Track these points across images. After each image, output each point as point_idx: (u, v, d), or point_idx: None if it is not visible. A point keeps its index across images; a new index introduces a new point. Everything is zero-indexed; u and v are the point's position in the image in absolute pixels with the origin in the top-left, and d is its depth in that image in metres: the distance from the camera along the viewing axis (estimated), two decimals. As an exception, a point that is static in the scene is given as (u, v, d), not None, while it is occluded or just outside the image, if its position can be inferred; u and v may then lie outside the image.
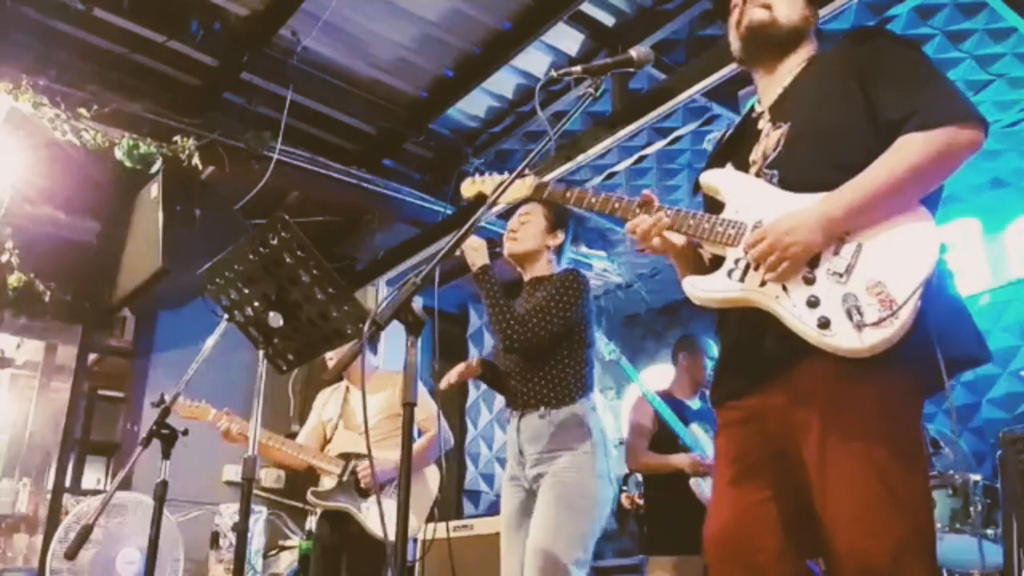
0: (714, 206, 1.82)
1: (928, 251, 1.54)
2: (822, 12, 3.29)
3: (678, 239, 1.84)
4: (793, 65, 1.85)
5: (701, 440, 3.72)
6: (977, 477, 3.40)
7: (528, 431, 2.70)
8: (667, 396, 3.92)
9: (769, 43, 1.86)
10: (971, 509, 3.32)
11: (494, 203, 1.96)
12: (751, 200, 1.73)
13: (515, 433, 2.75)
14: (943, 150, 1.57)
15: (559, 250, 2.90)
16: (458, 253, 2.70)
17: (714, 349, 4.03)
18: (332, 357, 3.71)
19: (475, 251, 2.74)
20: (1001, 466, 3.05)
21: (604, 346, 3.83)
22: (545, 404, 2.67)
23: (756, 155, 1.80)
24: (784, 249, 1.60)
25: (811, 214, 1.60)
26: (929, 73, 1.66)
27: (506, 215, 2.55)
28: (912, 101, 1.60)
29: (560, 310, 2.66)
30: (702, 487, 3.59)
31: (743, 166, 1.82)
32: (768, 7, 1.84)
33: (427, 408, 3.67)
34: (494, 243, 2.83)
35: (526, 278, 2.90)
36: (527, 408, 2.72)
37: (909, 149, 1.57)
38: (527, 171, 1.96)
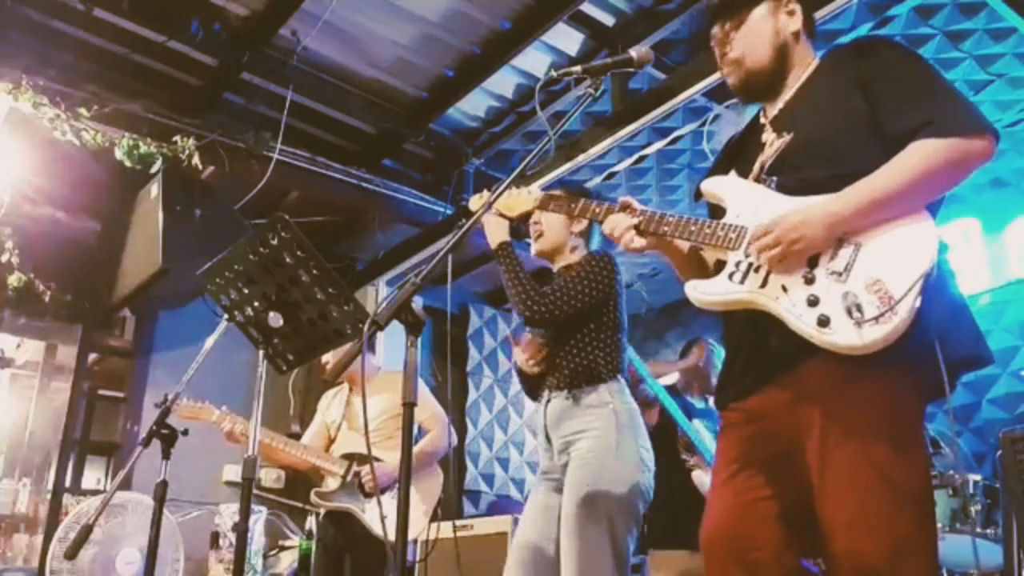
0: (717, 212, 1.83)
1: (926, 248, 1.54)
2: (822, 12, 3.31)
3: (682, 245, 1.86)
4: (796, 76, 1.85)
5: (703, 436, 3.72)
6: (977, 477, 3.40)
7: (553, 415, 2.63)
8: (673, 392, 3.93)
9: (761, 88, 1.87)
10: (971, 509, 3.32)
11: (493, 203, 1.96)
12: (751, 205, 1.75)
13: (542, 420, 2.67)
14: (956, 158, 1.57)
15: (585, 235, 2.83)
16: (480, 225, 2.66)
17: (722, 351, 4.04)
18: (328, 360, 3.71)
19: (496, 227, 2.67)
20: (1001, 466, 3.05)
21: None
22: (570, 387, 2.61)
23: (758, 163, 1.81)
24: (789, 243, 1.61)
25: (819, 211, 1.61)
26: (939, 84, 1.66)
27: (508, 219, 2.53)
28: (925, 111, 1.60)
29: (584, 287, 2.60)
30: (705, 482, 3.58)
31: (746, 174, 1.83)
32: (738, 61, 1.85)
33: (429, 407, 3.67)
34: (519, 232, 2.77)
35: (555, 267, 2.85)
36: (553, 391, 2.65)
37: (922, 154, 1.57)
38: (528, 172, 1.97)
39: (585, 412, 2.57)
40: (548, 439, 2.66)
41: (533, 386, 2.81)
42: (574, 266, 2.74)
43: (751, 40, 1.84)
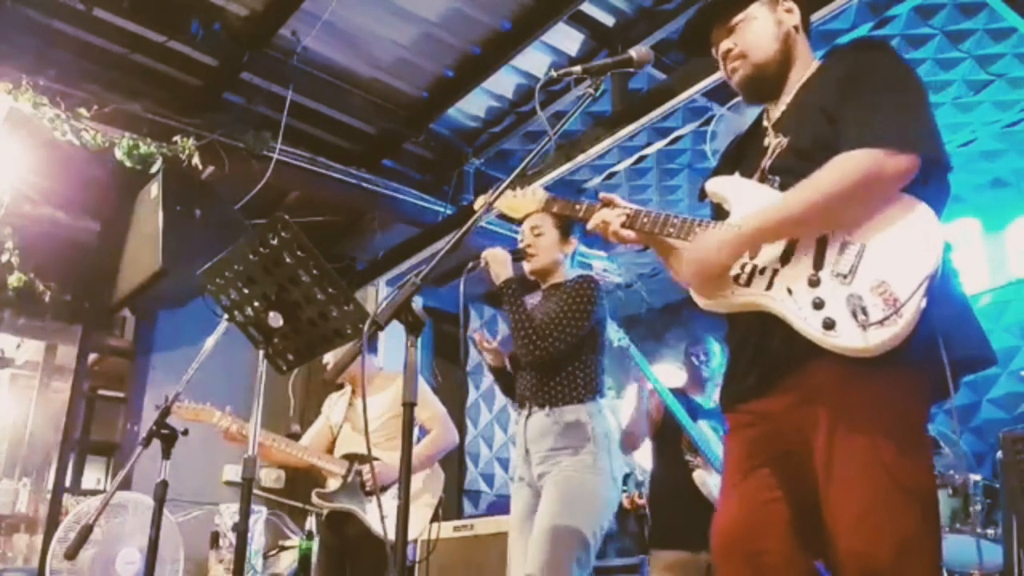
0: (721, 212, 1.84)
1: (931, 249, 1.53)
2: (822, 12, 3.31)
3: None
4: (797, 78, 1.85)
5: (708, 437, 3.71)
6: (977, 477, 3.41)
7: (534, 430, 2.75)
8: (680, 393, 3.92)
9: (765, 85, 1.87)
10: (971, 509, 3.33)
11: (492, 204, 1.97)
12: (754, 206, 1.74)
13: (522, 431, 2.80)
14: (863, 176, 1.56)
15: (571, 254, 2.99)
16: (483, 264, 2.80)
17: (715, 347, 4.02)
18: (329, 360, 3.71)
19: (499, 264, 2.80)
20: (1001, 466, 3.05)
21: (614, 332, 3.78)
22: (551, 404, 2.73)
23: (760, 167, 1.81)
24: (697, 268, 1.70)
25: (723, 237, 1.69)
26: (894, 93, 1.64)
27: (513, 220, 2.57)
28: (860, 118, 1.61)
29: (578, 319, 2.72)
30: (707, 482, 3.58)
31: (749, 176, 1.83)
32: (744, 56, 1.84)
33: (431, 407, 3.66)
34: (517, 253, 2.88)
35: (543, 285, 2.96)
36: (534, 407, 2.77)
37: (832, 171, 1.59)
38: (528, 172, 1.98)
39: (565, 430, 2.69)
40: (527, 451, 2.77)
41: (508, 385, 2.95)
42: (562, 287, 2.84)
43: (755, 35, 1.83)
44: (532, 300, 2.90)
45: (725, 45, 1.86)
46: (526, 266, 2.92)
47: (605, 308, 2.85)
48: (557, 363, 2.75)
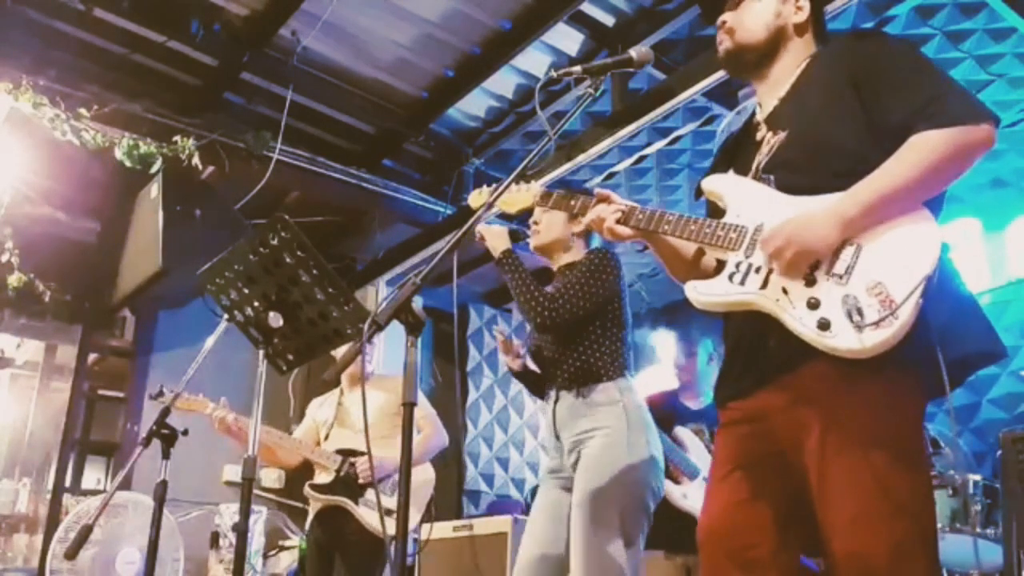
0: (717, 211, 1.82)
1: (929, 250, 1.52)
2: (822, 12, 3.31)
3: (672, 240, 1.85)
4: (790, 70, 1.84)
5: (686, 442, 3.69)
6: (977, 477, 3.40)
7: (562, 414, 2.64)
8: (671, 397, 3.91)
9: (742, 65, 1.88)
10: (971, 509, 3.32)
11: (493, 203, 1.97)
12: (752, 204, 1.73)
13: (551, 419, 2.68)
14: (959, 149, 1.55)
15: (585, 236, 2.82)
16: (477, 239, 2.69)
17: (699, 348, 4.01)
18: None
19: (495, 236, 2.68)
20: (1001, 466, 3.05)
21: None
22: (579, 384, 2.62)
23: (755, 162, 1.80)
24: (800, 246, 1.58)
25: (827, 212, 1.59)
26: (933, 72, 1.64)
27: (509, 216, 2.53)
28: (920, 100, 1.58)
29: (590, 287, 2.60)
30: (672, 491, 3.58)
31: (743, 174, 1.82)
32: (731, 31, 1.86)
33: (422, 407, 3.69)
34: (517, 235, 2.79)
35: (555, 268, 2.85)
36: (562, 390, 2.66)
37: (925, 147, 1.55)
38: (528, 172, 1.98)
39: (595, 411, 2.58)
40: (557, 438, 2.66)
41: (533, 384, 2.83)
42: (576, 264, 2.74)
43: (751, 15, 1.85)
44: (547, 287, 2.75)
45: (724, 16, 1.89)
46: (531, 242, 2.81)
47: (624, 281, 2.72)
48: (576, 339, 2.63)
